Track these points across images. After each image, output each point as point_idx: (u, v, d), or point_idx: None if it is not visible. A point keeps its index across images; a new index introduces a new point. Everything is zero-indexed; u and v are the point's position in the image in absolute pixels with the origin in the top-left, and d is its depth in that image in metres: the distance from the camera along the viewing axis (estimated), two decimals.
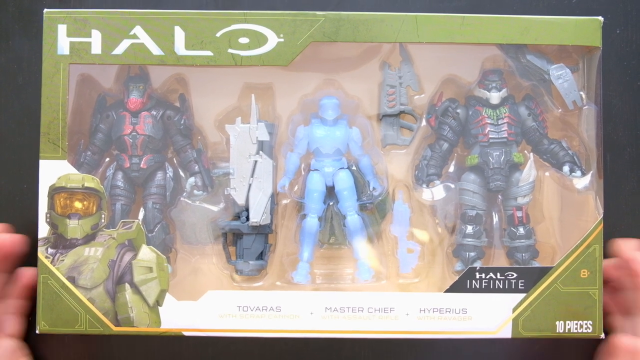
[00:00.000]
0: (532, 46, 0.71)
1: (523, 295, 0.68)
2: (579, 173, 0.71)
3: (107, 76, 0.73)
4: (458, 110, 0.72)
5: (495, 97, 0.71)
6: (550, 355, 0.75)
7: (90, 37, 0.69)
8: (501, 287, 0.69)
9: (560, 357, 0.75)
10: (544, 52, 0.72)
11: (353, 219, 0.72)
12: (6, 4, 0.77)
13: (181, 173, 0.74)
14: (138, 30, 0.69)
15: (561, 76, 0.71)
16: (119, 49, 0.69)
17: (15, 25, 0.77)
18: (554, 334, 0.68)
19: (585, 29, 0.69)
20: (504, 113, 0.71)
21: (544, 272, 0.69)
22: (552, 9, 0.76)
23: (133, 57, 0.69)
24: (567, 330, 0.68)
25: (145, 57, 0.69)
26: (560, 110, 0.73)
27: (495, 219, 0.73)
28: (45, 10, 0.69)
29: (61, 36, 0.69)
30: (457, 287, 0.69)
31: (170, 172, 0.73)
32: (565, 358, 0.71)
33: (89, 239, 0.69)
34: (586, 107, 0.71)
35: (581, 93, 0.71)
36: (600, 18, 0.69)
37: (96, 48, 0.69)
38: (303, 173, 0.74)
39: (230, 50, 0.69)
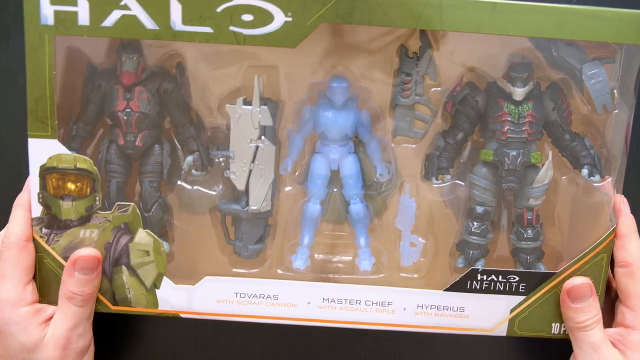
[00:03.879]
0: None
1: (522, 297, 0.68)
2: (597, 177, 0.67)
3: (97, 49, 0.66)
4: (477, 99, 0.67)
5: (519, 93, 0.65)
6: (551, 355, 0.76)
7: (76, 5, 0.62)
8: (502, 289, 0.68)
9: (561, 356, 0.76)
10: (579, 43, 0.65)
11: (357, 207, 0.69)
12: (6, 4, 0.71)
13: (179, 148, 0.69)
14: (130, 0, 0.62)
15: (594, 76, 0.64)
16: (109, 21, 0.62)
17: (15, 25, 0.71)
18: (548, 335, 0.69)
19: (628, 24, 0.62)
20: (527, 111, 0.66)
21: (546, 277, 0.67)
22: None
23: (124, 31, 0.62)
24: (562, 332, 0.69)
25: (137, 31, 0.62)
26: (588, 107, 0.67)
27: (504, 211, 0.71)
28: None
29: (44, 3, 0.62)
30: (457, 286, 0.68)
31: (167, 148, 0.69)
32: (565, 358, 0.72)
33: (83, 220, 0.67)
34: (616, 111, 0.66)
35: (614, 91, 0.65)
36: None
37: (83, 19, 0.62)
38: (306, 156, 0.70)
39: (232, 28, 0.62)
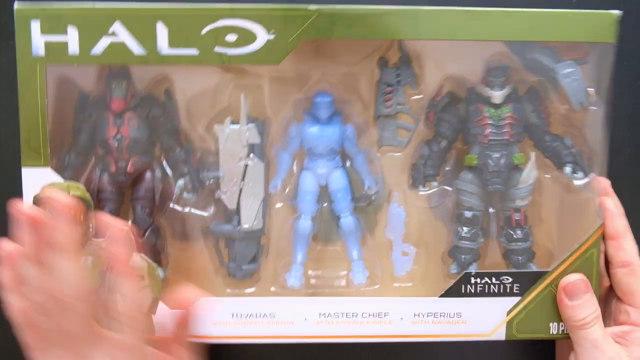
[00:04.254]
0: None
1: (518, 298, 0.68)
2: (580, 175, 0.69)
3: (87, 77, 0.68)
4: (458, 106, 0.69)
5: (498, 96, 0.67)
6: (552, 358, 0.76)
7: (66, 34, 0.64)
8: (496, 291, 0.68)
9: None
10: (552, 45, 0.67)
11: (347, 220, 0.70)
12: (6, 4, 0.72)
13: (170, 173, 0.70)
14: (117, 27, 0.64)
15: (569, 75, 0.67)
16: (98, 49, 0.64)
17: (15, 25, 0.71)
18: (547, 336, 0.69)
19: (599, 24, 0.65)
20: (507, 113, 0.68)
21: (539, 275, 0.68)
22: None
23: (113, 57, 0.64)
24: (560, 332, 0.69)
25: (125, 57, 0.64)
26: (565, 106, 0.69)
27: (493, 214, 0.72)
28: (16, 3, 0.64)
29: (35, 34, 0.64)
30: (452, 291, 0.68)
31: (158, 173, 0.70)
32: None
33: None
34: (593, 108, 0.68)
35: (590, 89, 0.68)
36: (616, 12, 0.65)
37: (73, 48, 0.64)
38: (294, 171, 0.71)
39: (217, 49, 0.65)
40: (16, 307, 0.58)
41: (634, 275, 0.68)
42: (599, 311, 0.67)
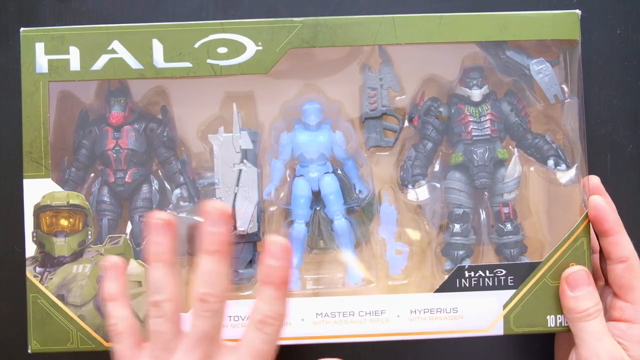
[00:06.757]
0: (512, 42, 0.71)
1: (513, 291, 0.68)
2: (563, 166, 0.71)
3: (87, 92, 0.72)
4: (441, 109, 0.72)
5: (476, 94, 0.71)
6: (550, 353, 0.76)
7: (68, 53, 0.69)
8: (491, 284, 0.69)
9: None
10: (523, 46, 0.71)
11: (340, 223, 0.72)
12: (6, 4, 0.77)
13: (167, 185, 0.73)
14: (116, 44, 0.69)
15: (541, 70, 0.71)
16: (98, 65, 0.69)
17: (15, 25, 0.76)
18: (546, 329, 0.69)
19: (563, 23, 0.69)
20: (486, 110, 0.71)
21: (532, 267, 0.69)
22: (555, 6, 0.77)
23: (112, 72, 0.69)
24: (558, 325, 0.68)
25: (124, 72, 0.69)
26: (542, 104, 0.73)
27: (483, 215, 0.73)
28: (22, 29, 0.69)
29: (39, 54, 0.69)
30: (447, 286, 0.69)
31: (155, 185, 0.72)
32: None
33: (76, 256, 0.69)
34: (568, 100, 0.71)
35: (563, 86, 0.71)
36: (578, 11, 0.69)
37: (75, 65, 0.69)
38: (288, 180, 0.73)
39: (209, 61, 0.69)
40: (119, 316, 0.58)
41: (632, 270, 0.67)
42: (600, 304, 0.67)
